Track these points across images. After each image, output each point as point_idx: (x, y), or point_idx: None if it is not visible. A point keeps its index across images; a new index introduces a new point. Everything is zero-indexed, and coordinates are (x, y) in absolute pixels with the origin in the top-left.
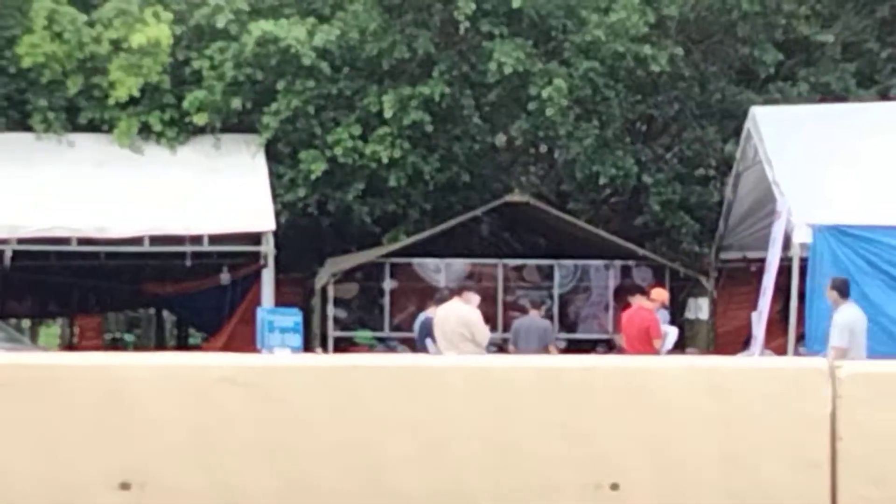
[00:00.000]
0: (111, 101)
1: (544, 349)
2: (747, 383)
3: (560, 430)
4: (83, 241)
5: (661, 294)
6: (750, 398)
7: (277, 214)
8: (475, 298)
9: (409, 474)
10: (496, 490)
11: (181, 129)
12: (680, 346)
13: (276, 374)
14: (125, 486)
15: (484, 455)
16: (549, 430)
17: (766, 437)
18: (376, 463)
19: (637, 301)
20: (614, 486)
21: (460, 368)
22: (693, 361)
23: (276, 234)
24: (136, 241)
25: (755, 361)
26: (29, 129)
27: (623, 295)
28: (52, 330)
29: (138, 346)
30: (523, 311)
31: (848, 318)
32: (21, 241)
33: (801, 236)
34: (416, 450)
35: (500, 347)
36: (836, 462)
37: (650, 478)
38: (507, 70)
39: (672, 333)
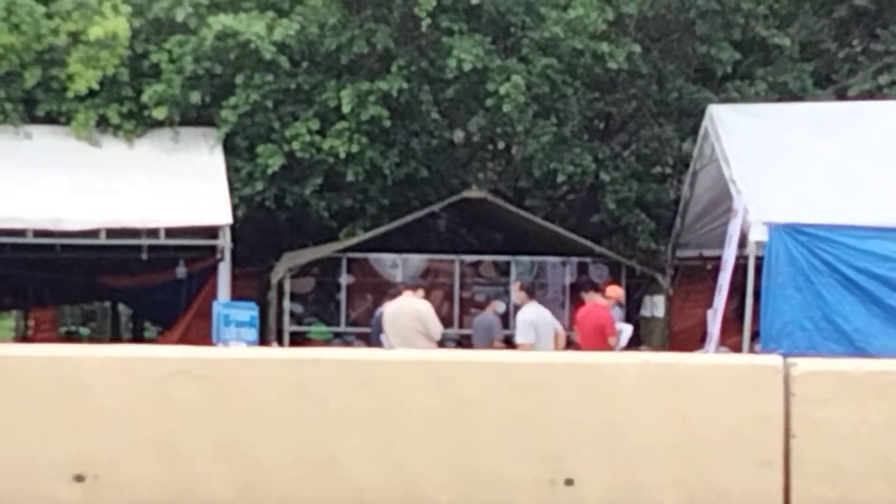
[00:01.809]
0: (69, 94)
1: (490, 344)
2: (702, 380)
3: (516, 425)
4: (39, 233)
5: (616, 291)
6: (704, 395)
7: (234, 208)
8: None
9: (363, 467)
10: (451, 484)
11: (139, 122)
12: (635, 344)
13: (231, 367)
14: (79, 477)
15: (439, 449)
16: (505, 425)
17: (720, 434)
18: (331, 455)
19: (592, 298)
20: (569, 482)
21: (416, 363)
22: (648, 358)
23: (232, 227)
24: (93, 233)
25: (710, 358)
26: None
27: (579, 292)
28: (7, 322)
29: (93, 339)
30: (481, 306)
31: (533, 316)
32: None
33: (758, 234)
34: (371, 443)
35: (460, 343)
36: (790, 459)
37: (605, 473)
38: (467, 66)
39: (626, 331)
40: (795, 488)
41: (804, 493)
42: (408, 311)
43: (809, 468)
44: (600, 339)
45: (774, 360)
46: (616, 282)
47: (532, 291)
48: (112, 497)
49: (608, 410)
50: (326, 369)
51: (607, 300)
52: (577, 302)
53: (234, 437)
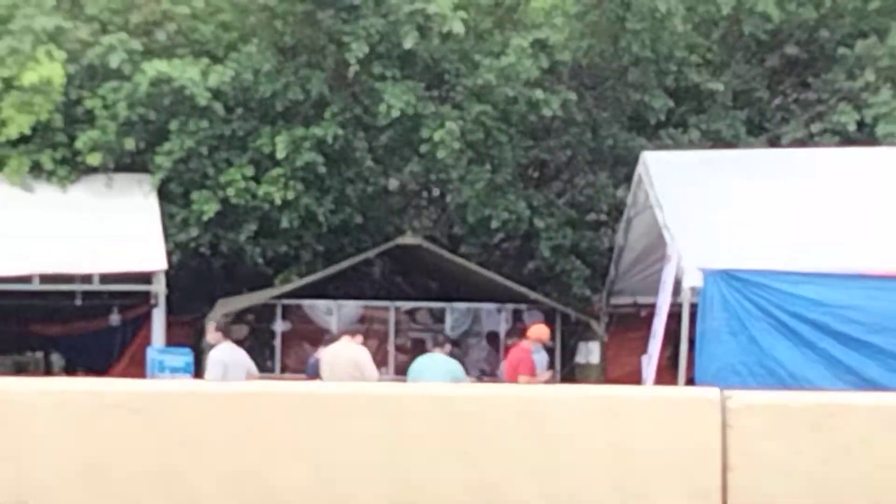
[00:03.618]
0: (1, 139)
1: None
2: (640, 411)
3: (453, 457)
4: None
5: (538, 331)
6: (642, 427)
7: (169, 254)
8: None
9: (303, 500)
10: None
11: (73, 169)
12: None
13: (170, 401)
14: None
15: (377, 482)
16: (443, 457)
17: (657, 466)
18: (270, 491)
19: (517, 343)
20: None
21: (355, 396)
22: (587, 390)
23: (167, 274)
24: (26, 279)
25: (648, 390)
26: None
27: (510, 338)
28: None
29: None
30: (416, 351)
31: (222, 356)
32: None
33: (692, 280)
34: (310, 477)
35: None
36: (727, 491)
37: (542, 502)
38: (395, 113)
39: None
40: None
41: None
42: (345, 356)
43: (746, 500)
44: (513, 378)
45: (712, 392)
46: (543, 323)
47: (226, 331)
48: None
49: (546, 442)
50: (265, 403)
51: (527, 341)
52: (505, 348)
53: (171, 470)
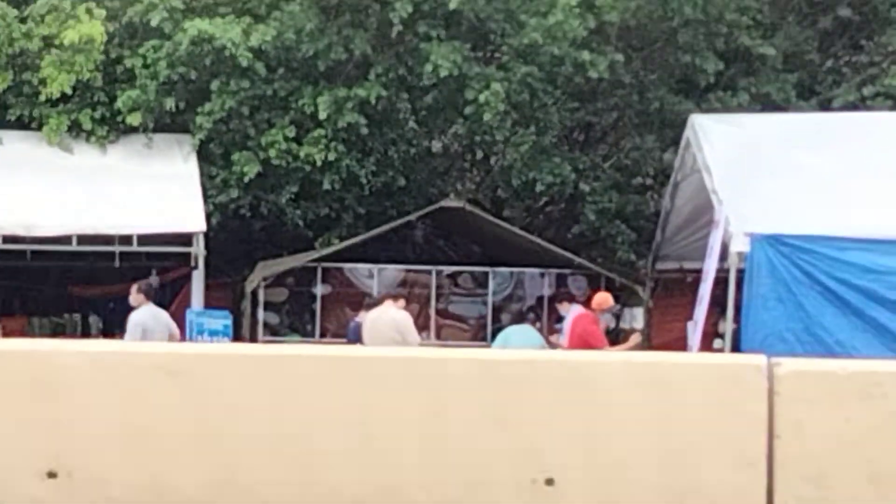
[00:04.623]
0: (41, 98)
1: None
2: (685, 379)
3: (495, 423)
4: (8, 240)
5: (602, 300)
6: (687, 394)
7: (209, 216)
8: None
9: (341, 466)
10: (429, 483)
11: (112, 128)
12: None
13: (209, 363)
14: (52, 474)
15: (417, 448)
16: (485, 423)
17: (702, 434)
18: (308, 454)
19: (568, 309)
20: (549, 482)
21: (396, 360)
22: (632, 357)
23: (206, 235)
24: (64, 240)
25: (694, 357)
26: None
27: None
28: None
29: None
30: (458, 319)
31: (143, 317)
32: None
33: (739, 245)
34: (349, 441)
35: None
36: (773, 460)
37: (586, 473)
38: (443, 73)
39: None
40: (779, 490)
41: (787, 494)
42: (386, 320)
43: (793, 469)
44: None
45: (759, 359)
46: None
47: (149, 293)
48: (85, 493)
49: (591, 409)
50: (305, 366)
51: (595, 311)
52: (553, 314)
53: (210, 434)
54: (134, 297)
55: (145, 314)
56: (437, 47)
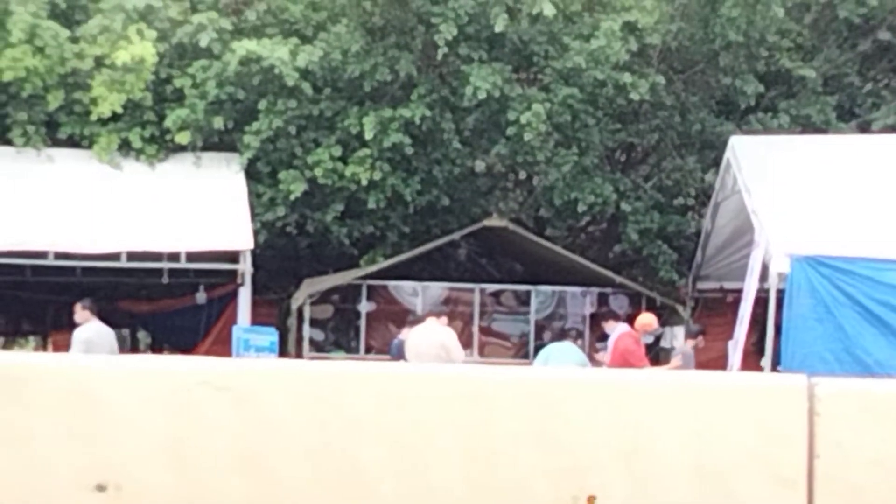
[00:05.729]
0: (92, 117)
1: None
2: (724, 399)
3: (537, 441)
4: (59, 256)
5: (646, 321)
6: (727, 414)
7: (256, 234)
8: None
9: (384, 482)
10: (471, 500)
11: (161, 147)
12: None
13: (255, 379)
14: (101, 487)
15: (459, 465)
16: (526, 440)
17: (742, 454)
18: (351, 470)
19: (612, 328)
20: (591, 499)
21: (438, 378)
22: (671, 376)
23: (253, 253)
24: (113, 256)
25: (734, 376)
26: (8, 142)
27: (599, 322)
28: (26, 348)
29: None
30: (500, 336)
31: (89, 335)
32: None
33: (779, 266)
34: (392, 458)
35: None
36: (813, 480)
37: (626, 491)
38: (482, 94)
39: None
40: None
41: None
42: (431, 338)
43: (833, 489)
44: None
45: (799, 379)
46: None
47: (93, 310)
48: None
49: (631, 427)
50: (351, 383)
51: (638, 331)
52: (597, 332)
53: (255, 449)
54: (79, 314)
55: (90, 330)
56: (477, 69)
